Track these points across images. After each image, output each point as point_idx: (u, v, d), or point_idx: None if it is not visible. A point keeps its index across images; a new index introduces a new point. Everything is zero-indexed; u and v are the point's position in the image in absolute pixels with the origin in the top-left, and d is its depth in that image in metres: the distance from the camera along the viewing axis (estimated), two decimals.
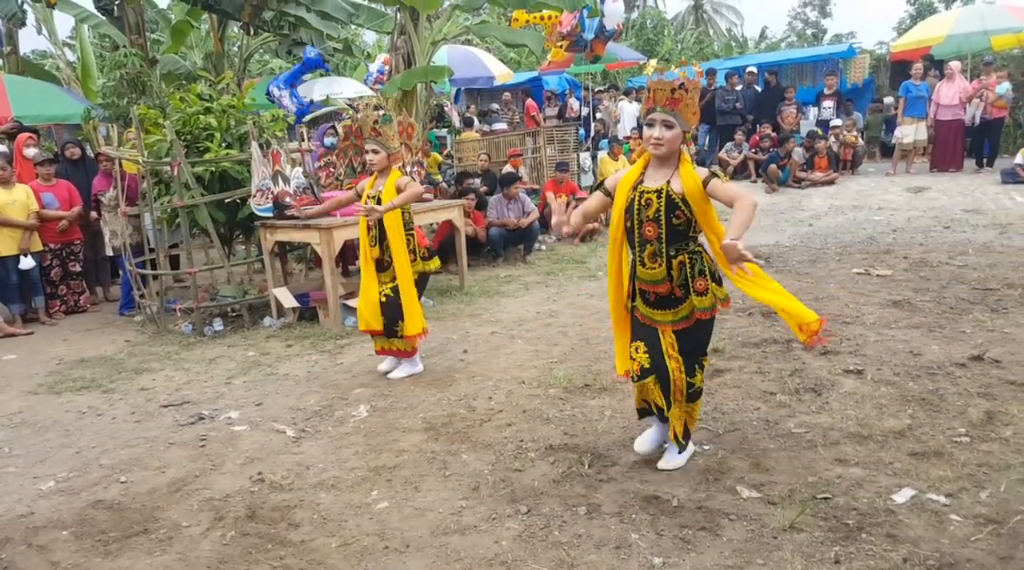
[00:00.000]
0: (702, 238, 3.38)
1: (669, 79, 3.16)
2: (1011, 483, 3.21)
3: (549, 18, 10.66)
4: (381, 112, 4.88)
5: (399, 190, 4.90)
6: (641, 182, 3.34)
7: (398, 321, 5.01)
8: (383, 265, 5.06)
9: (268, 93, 10.35)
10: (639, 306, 3.48)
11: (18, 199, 7.53)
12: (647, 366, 3.41)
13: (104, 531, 3.36)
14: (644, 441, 3.70)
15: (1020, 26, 12.72)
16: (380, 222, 4.91)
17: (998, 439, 3.65)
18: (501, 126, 15.25)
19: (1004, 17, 13.14)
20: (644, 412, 3.62)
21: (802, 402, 4.28)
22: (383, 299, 5.05)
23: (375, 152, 4.94)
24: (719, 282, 3.38)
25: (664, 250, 3.29)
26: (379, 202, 4.89)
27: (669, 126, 3.19)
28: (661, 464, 3.56)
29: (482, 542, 3.06)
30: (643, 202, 3.30)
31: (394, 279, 5.00)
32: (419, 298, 5.16)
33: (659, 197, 3.25)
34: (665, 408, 3.44)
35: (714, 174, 3.22)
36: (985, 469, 3.36)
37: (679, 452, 3.59)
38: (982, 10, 14.53)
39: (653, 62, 3.47)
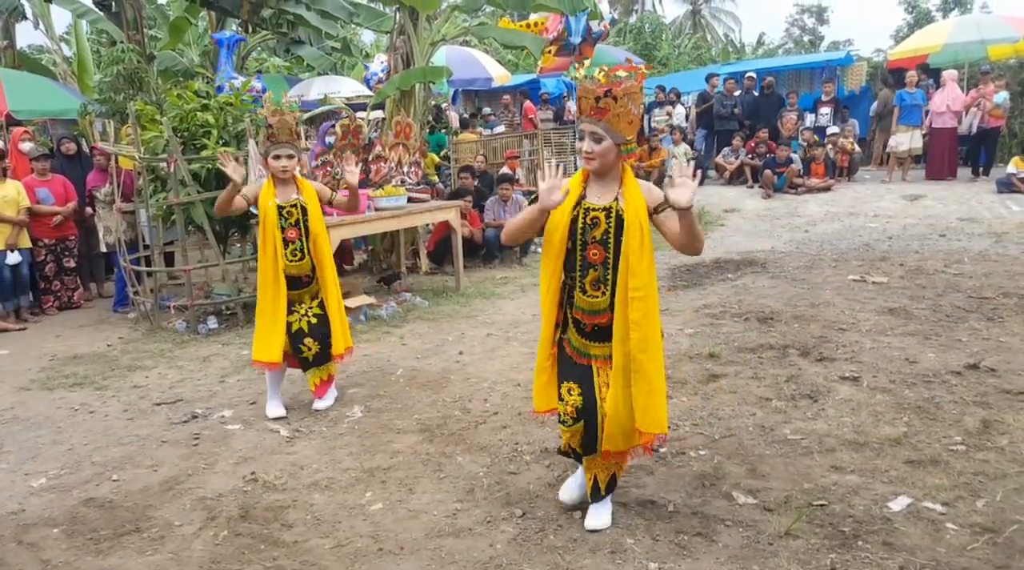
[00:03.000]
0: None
1: (592, 86, 2.79)
2: (1007, 492, 3.22)
3: (536, 25, 10.68)
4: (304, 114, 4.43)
5: (323, 199, 4.58)
6: (584, 197, 2.94)
7: (329, 339, 4.59)
8: (301, 282, 4.55)
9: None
10: (571, 338, 3.06)
11: (8, 195, 7.47)
12: (580, 407, 3.00)
13: (95, 529, 3.34)
14: (569, 489, 3.29)
15: (1017, 36, 12.76)
16: (307, 233, 4.48)
17: (994, 448, 3.66)
18: (499, 130, 15.26)
19: (1001, 27, 13.19)
20: (567, 454, 3.26)
21: (798, 408, 4.28)
22: (312, 320, 4.56)
23: (290, 157, 4.43)
24: None
25: (611, 277, 2.90)
26: (304, 213, 4.46)
27: (598, 139, 2.82)
28: (589, 523, 3.10)
29: (477, 545, 3.04)
30: (588, 221, 2.90)
31: (317, 295, 4.60)
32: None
33: (608, 216, 2.88)
34: (582, 454, 3.10)
35: (669, 204, 2.77)
36: (981, 478, 3.36)
37: (603, 502, 3.15)
38: (979, 19, 14.58)
39: (581, 70, 3.10)
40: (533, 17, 10.69)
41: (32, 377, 5.82)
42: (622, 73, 2.81)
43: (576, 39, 10.99)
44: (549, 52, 11.48)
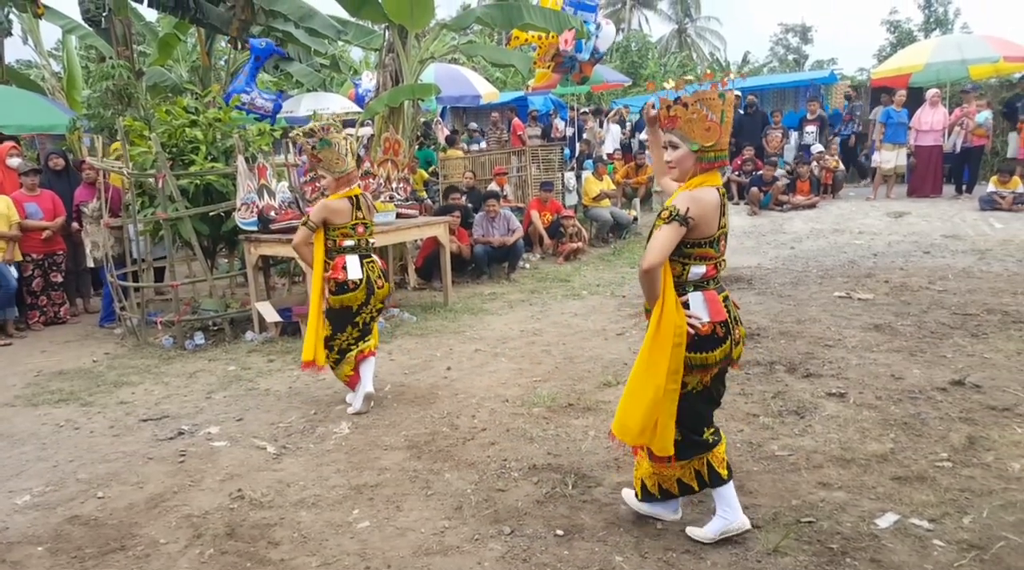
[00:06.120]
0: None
1: (663, 97, 3.00)
2: (993, 509, 3.23)
3: (548, 36, 10.71)
4: (315, 139, 4.67)
5: None
6: None
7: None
8: None
9: (240, 105, 9.96)
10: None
11: None
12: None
13: (80, 547, 3.30)
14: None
15: (997, 56, 12.95)
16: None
17: (980, 464, 3.68)
18: (483, 145, 15.34)
19: (982, 47, 13.38)
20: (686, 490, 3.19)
21: (785, 425, 4.30)
22: None
23: (322, 178, 4.96)
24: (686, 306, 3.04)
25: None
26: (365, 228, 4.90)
27: (675, 146, 2.98)
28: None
29: (465, 563, 3.03)
30: None
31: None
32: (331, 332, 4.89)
33: None
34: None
35: (669, 216, 2.86)
36: (967, 494, 3.38)
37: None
38: (960, 39, 14.77)
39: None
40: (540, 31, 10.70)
41: (17, 393, 5.77)
42: (692, 87, 2.95)
43: (584, 56, 11.03)
44: (548, 67, 11.49)
